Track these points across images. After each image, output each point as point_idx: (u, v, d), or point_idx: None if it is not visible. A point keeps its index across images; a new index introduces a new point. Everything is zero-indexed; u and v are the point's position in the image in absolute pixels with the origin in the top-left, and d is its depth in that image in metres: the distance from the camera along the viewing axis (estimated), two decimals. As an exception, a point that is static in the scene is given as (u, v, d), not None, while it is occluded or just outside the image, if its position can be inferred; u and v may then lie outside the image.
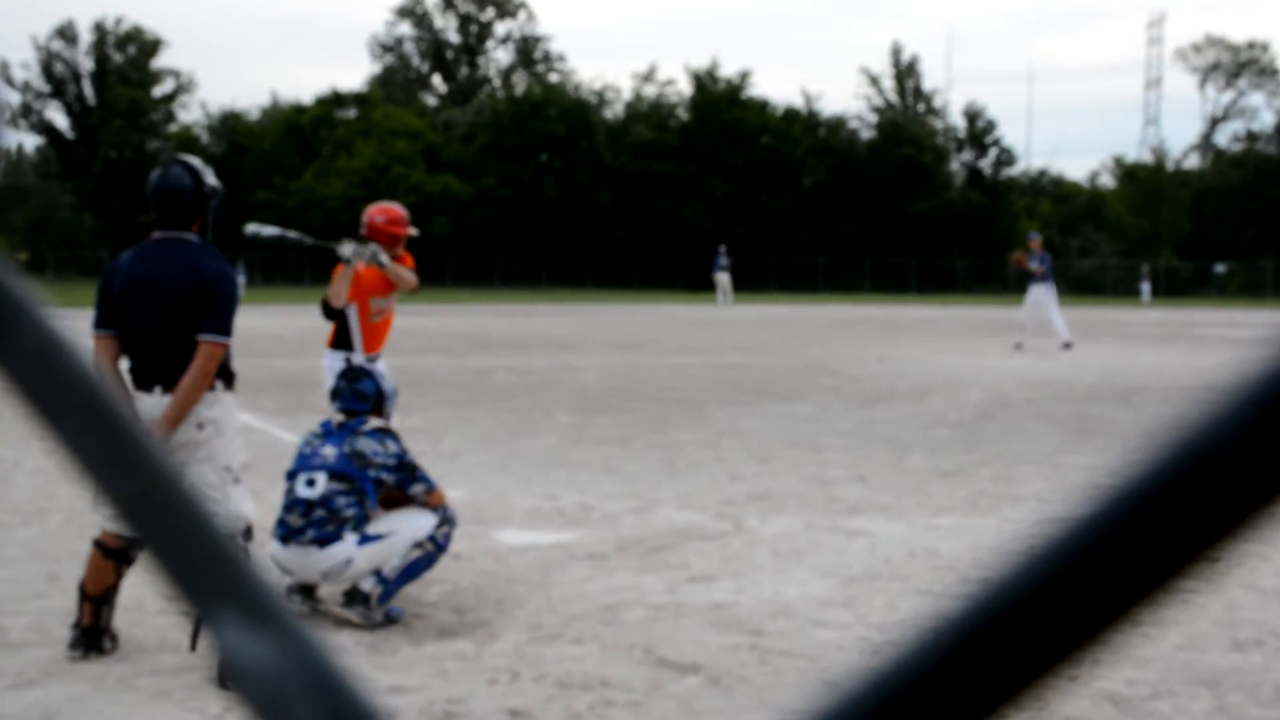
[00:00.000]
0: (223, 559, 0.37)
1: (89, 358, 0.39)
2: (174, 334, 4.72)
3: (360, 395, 5.40)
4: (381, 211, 6.89)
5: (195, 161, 4.96)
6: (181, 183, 4.82)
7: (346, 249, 6.44)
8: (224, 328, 4.75)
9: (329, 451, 5.14)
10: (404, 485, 5.22)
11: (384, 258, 6.51)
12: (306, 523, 5.01)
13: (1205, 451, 0.31)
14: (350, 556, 4.98)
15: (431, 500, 5.31)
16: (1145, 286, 55.63)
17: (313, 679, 0.36)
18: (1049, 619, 0.32)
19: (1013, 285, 62.45)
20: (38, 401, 0.39)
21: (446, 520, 5.22)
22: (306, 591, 5.24)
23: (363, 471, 5.09)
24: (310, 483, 5.07)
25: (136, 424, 0.38)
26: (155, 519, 0.37)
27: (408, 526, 5.13)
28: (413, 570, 5.11)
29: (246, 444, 5.32)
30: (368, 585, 5.03)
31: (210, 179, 4.93)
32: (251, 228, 6.89)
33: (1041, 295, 21.17)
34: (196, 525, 0.37)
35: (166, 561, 0.37)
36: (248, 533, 4.89)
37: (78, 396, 0.38)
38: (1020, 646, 0.32)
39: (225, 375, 4.83)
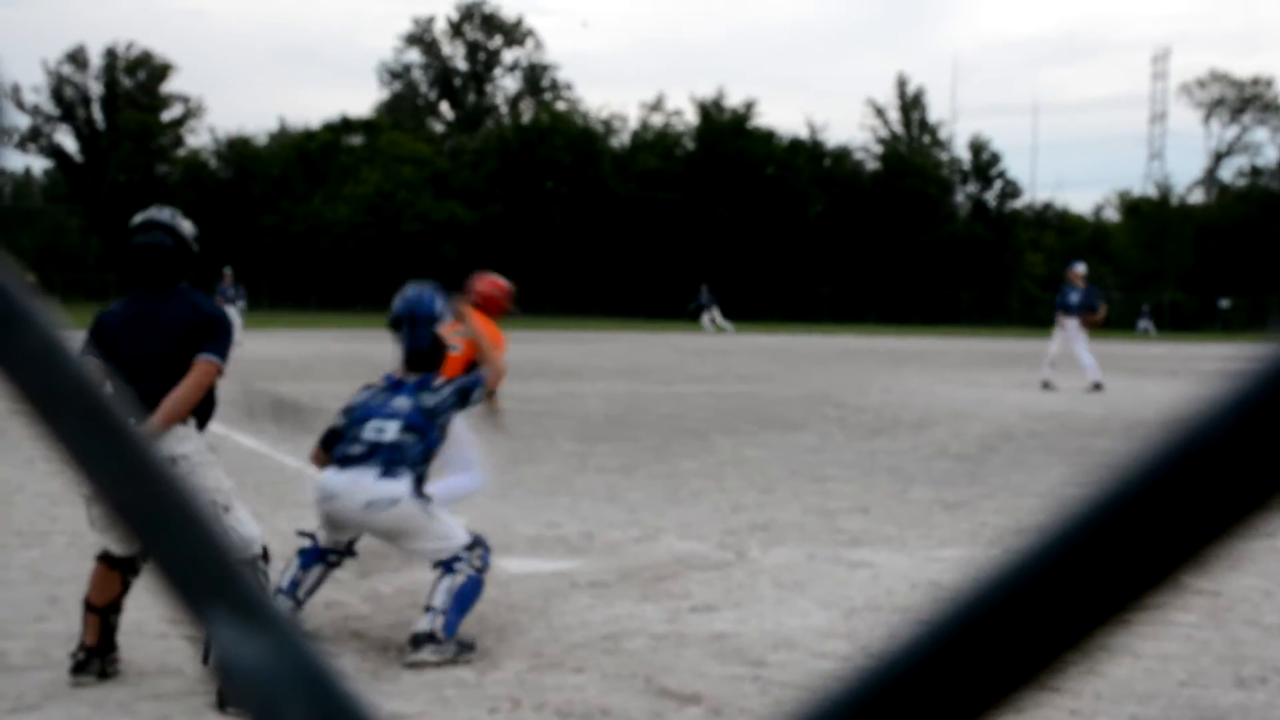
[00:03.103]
0: (218, 559, 0.37)
1: (87, 363, 0.39)
2: (168, 366, 4.73)
3: (423, 331, 5.57)
4: (494, 285, 7.39)
5: (166, 216, 5.05)
6: (163, 243, 4.95)
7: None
8: (222, 354, 4.86)
9: (402, 403, 5.27)
10: (468, 396, 5.42)
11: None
12: (372, 454, 5.08)
13: (1173, 466, 0.32)
14: (399, 498, 5.01)
15: (494, 359, 5.68)
16: (1142, 324, 55.80)
17: (305, 679, 0.36)
18: (1019, 629, 0.32)
19: (1017, 317, 62.53)
20: (36, 403, 0.39)
21: (477, 543, 5.17)
22: (335, 555, 5.18)
23: (432, 423, 5.26)
24: (380, 430, 5.17)
25: (133, 426, 0.38)
26: (150, 519, 0.37)
27: (447, 487, 5.65)
28: (463, 596, 5.04)
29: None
30: (426, 625, 4.94)
31: (186, 227, 5.04)
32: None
33: (1073, 331, 19.72)
34: (191, 525, 0.37)
35: (161, 561, 0.37)
36: (264, 555, 4.89)
37: (76, 399, 0.38)
38: (994, 654, 0.33)
39: (205, 410, 4.85)
